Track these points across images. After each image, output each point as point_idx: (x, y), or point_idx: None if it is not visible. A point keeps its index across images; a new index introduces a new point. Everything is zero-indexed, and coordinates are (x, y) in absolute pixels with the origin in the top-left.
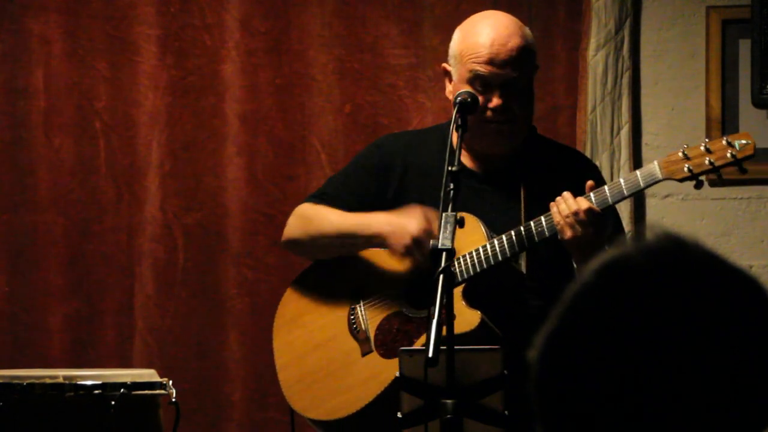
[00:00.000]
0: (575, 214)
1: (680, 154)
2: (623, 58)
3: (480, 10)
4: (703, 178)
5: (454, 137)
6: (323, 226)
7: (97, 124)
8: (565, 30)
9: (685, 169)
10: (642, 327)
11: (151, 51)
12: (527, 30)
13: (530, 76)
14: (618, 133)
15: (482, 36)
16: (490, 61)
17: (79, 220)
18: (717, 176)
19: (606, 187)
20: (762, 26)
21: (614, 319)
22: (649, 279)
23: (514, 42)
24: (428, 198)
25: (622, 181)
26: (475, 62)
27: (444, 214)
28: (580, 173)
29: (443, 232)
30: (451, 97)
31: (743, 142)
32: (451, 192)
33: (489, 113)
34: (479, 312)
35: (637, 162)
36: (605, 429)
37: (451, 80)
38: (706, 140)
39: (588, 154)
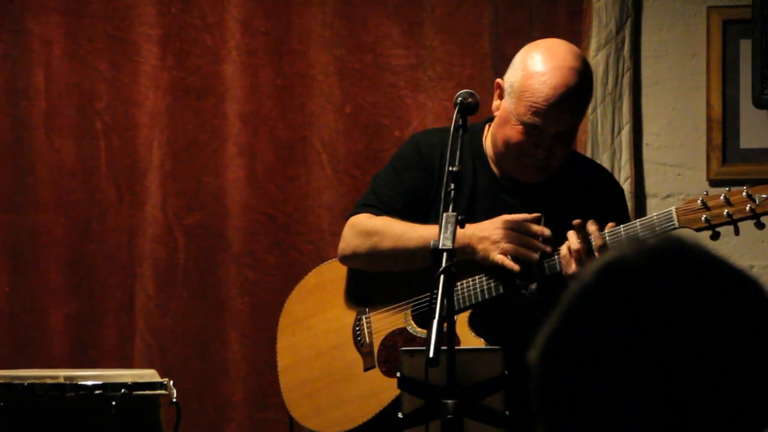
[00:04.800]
0: (587, 250)
1: (699, 202)
2: (624, 58)
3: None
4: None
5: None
6: (398, 240)
7: (97, 124)
8: (566, 30)
9: (703, 219)
10: (642, 327)
11: (152, 51)
12: (591, 72)
13: (581, 120)
14: (619, 133)
15: (546, 86)
16: (548, 115)
17: (79, 220)
18: (734, 228)
19: (621, 228)
20: (763, 26)
21: (614, 319)
22: (649, 280)
23: (578, 98)
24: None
25: (638, 224)
26: (534, 110)
27: (444, 214)
28: (604, 197)
29: (444, 233)
30: (496, 112)
31: (764, 196)
32: (452, 192)
33: (531, 152)
34: (483, 341)
35: (637, 162)
36: (606, 429)
37: (501, 96)
38: (727, 189)
39: (589, 154)
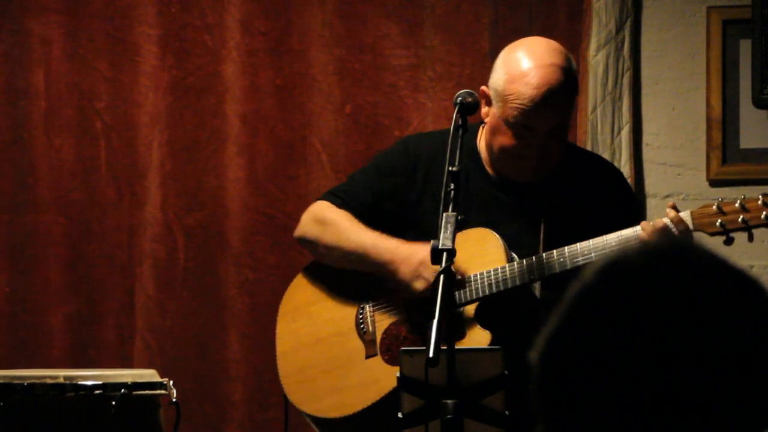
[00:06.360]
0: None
1: (714, 207)
2: (624, 58)
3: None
4: (734, 234)
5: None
6: (339, 237)
7: (97, 124)
8: (566, 30)
9: (718, 224)
10: (643, 327)
11: (152, 51)
12: (572, 64)
13: (572, 113)
14: (618, 133)
15: (529, 86)
16: (536, 114)
17: (79, 220)
18: (748, 234)
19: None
20: (762, 26)
21: (615, 319)
22: (650, 279)
23: (563, 92)
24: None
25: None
26: (521, 112)
27: (444, 214)
28: (605, 189)
29: (444, 232)
30: (486, 119)
31: None
32: (452, 192)
33: (525, 152)
34: (489, 333)
35: (637, 162)
36: (605, 429)
37: (488, 104)
38: (743, 196)
39: None
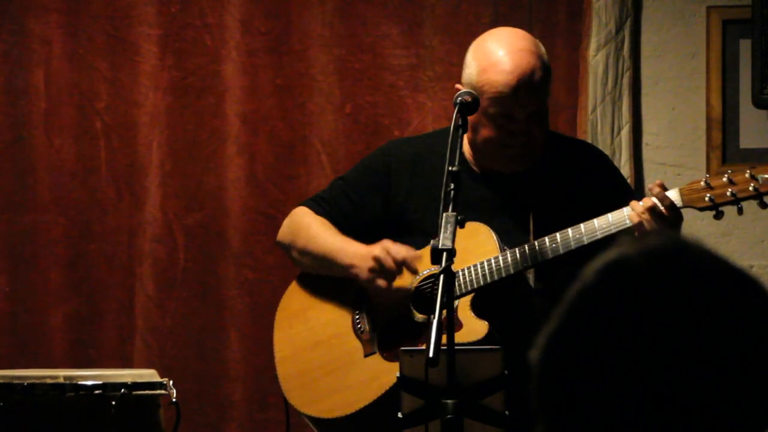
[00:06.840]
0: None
1: (702, 183)
2: (624, 58)
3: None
4: (723, 209)
5: (464, 142)
6: (308, 242)
7: (97, 124)
8: (566, 30)
9: (707, 198)
10: (643, 327)
11: (152, 51)
12: (542, 49)
13: (548, 97)
14: (618, 133)
15: (502, 73)
16: (513, 99)
17: (79, 220)
18: (738, 208)
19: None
20: (762, 26)
21: (615, 319)
22: (650, 279)
23: (536, 74)
24: (435, 202)
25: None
26: (498, 100)
27: (444, 214)
28: (592, 172)
29: (443, 232)
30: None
31: (766, 176)
32: (452, 192)
33: (509, 141)
34: (487, 323)
35: (637, 162)
36: (606, 429)
37: None
38: (730, 171)
39: None
